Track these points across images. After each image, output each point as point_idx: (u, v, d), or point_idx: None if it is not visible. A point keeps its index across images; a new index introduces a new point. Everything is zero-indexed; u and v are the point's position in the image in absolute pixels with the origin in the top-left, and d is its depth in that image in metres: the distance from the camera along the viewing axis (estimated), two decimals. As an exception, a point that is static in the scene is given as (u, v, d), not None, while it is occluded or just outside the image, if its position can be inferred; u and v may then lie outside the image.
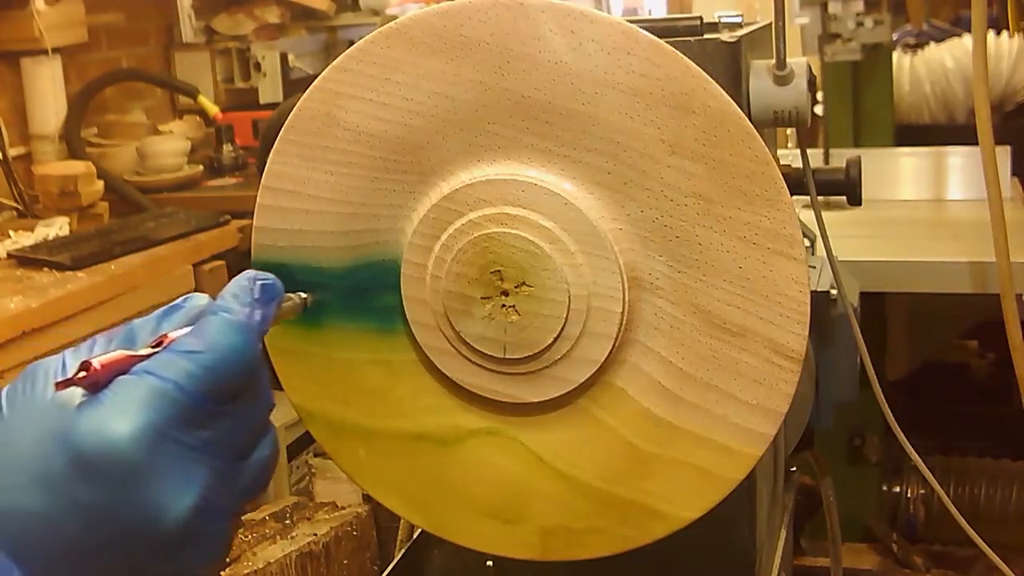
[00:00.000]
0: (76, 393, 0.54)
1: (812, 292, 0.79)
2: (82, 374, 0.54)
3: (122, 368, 0.55)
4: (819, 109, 2.59)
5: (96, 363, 0.54)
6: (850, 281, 1.44)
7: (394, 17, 0.83)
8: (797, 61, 1.02)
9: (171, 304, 0.61)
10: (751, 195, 0.76)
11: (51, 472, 0.52)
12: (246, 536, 2.13)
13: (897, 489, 2.37)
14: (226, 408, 0.56)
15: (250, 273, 0.62)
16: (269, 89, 3.34)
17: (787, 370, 0.78)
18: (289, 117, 0.83)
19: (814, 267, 1.36)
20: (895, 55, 3.03)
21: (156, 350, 0.56)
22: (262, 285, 0.61)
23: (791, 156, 1.28)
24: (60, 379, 0.54)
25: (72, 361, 0.56)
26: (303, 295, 0.67)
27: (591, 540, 0.84)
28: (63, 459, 0.52)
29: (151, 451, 0.52)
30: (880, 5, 2.49)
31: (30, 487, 0.53)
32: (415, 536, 1.20)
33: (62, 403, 0.54)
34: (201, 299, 0.62)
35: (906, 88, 3.13)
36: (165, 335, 0.57)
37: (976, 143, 1.35)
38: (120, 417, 0.52)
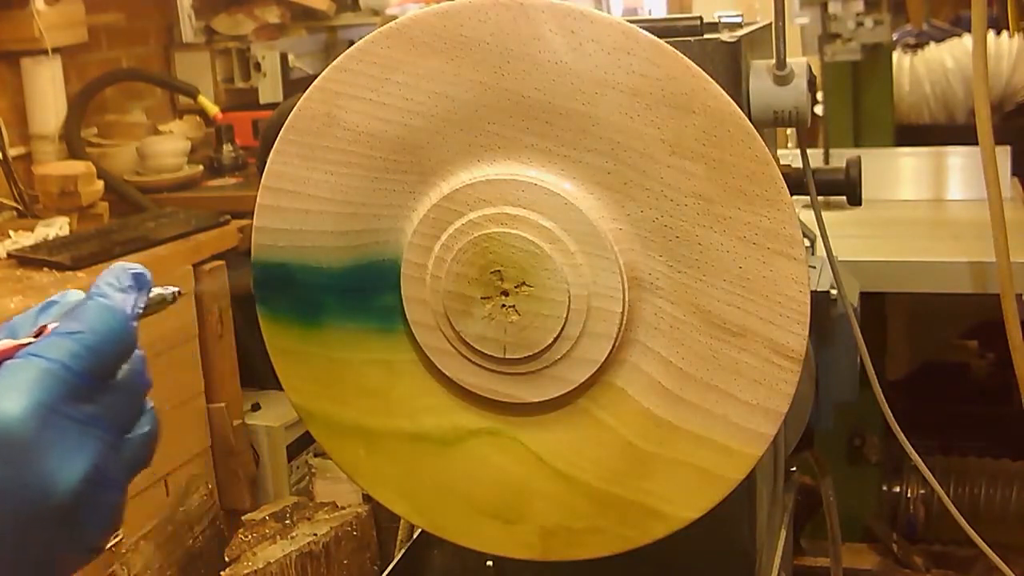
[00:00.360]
0: None
1: (812, 292, 0.79)
2: None
3: (7, 355, 0.58)
4: (819, 109, 2.59)
5: None
6: (850, 281, 1.44)
7: (394, 17, 0.83)
8: (797, 61, 1.02)
9: (47, 300, 0.65)
10: (751, 195, 0.76)
11: None
12: (246, 536, 2.13)
13: (897, 489, 2.37)
14: (108, 384, 0.60)
15: (121, 264, 0.66)
16: (269, 89, 3.34)
17: (787, 370, 0.78)
18: (289, 117, 0.83)
19: (814, 267, 1.35)
20: (895, 55, 3.03)
21: (37, 339, 0.59)
22: (132, 274, 0.65)
23: (791, 156, 1.28)
24: None
25: None
26: (173, 289, 0.70)
27: (591, 540, 0.84)
28: None
29: (42, 427, 0.55)
30: (880, 5, 2.48)
31: None
32: (415, 536, 1.20)
33: None
34: (76, 294, 0.66)
35: (906, 88, 3.13)
36: (44, 326, 0.61)
37: (976, 143, 1.35)
38: (10, 396, 0.55)
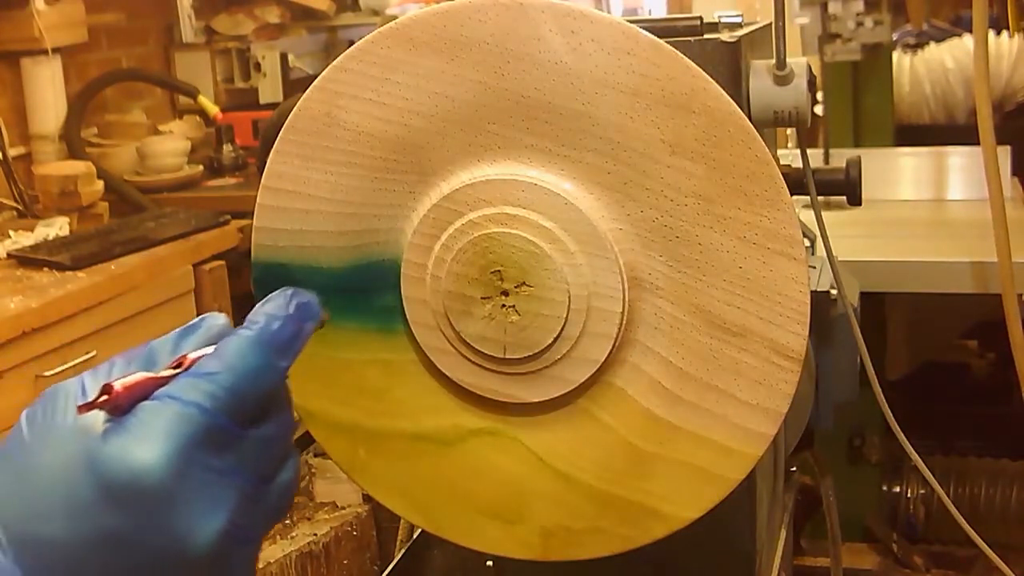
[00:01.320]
0: (99, 418, 0.53)
1: (812, 292, 0.79)
2: (104, 397, 0.53)
3: (143, 391, 0.54)
4: (819, 109, 2.58)
5: (118, 386, 0.53)
6: (850, 281, 1.44)
7: (394, 17, 0.83)
8: (797, 61, 1.02)
9: (189, 324, 0.60)
10: (751, 195, 0.76)
11: (76, 499, 0.52)
12: (246, 536, 2.12)
13: (897, 489, 2.37)
14: (250, 430, 0.55)
15: (289, 291, 0.60)
16: (269, 89, 3.34)
17: (787, 370, 0.78)
18: (289, 117, 0.83)
19: (814, 267, 1.35)
20: (895, 55, 3.03)
21: (176, 371, 0.55)
22: (298, 303, 0.59)
23: (791, 156, 1.28)
24: (81, 402, 0.53)
25: (91, 383, 0.55)
26: (321, 317, 0.65)
27: (591, 540, 0.84)
28: (89, 486, 0.52)
29: (178, 476, 0.52)
30: (880, 5, 2.48)
31: (54, 515, 0.52)
32: (415, 536, 1.20)
33: (85, 429, 0.53)
34: (218, 318, 0.61)
35: (906, 88, 3.13)
36: (184, 356, 0.56)
37: (976, 143, 1.35)
38: (146, 443, 0.52)
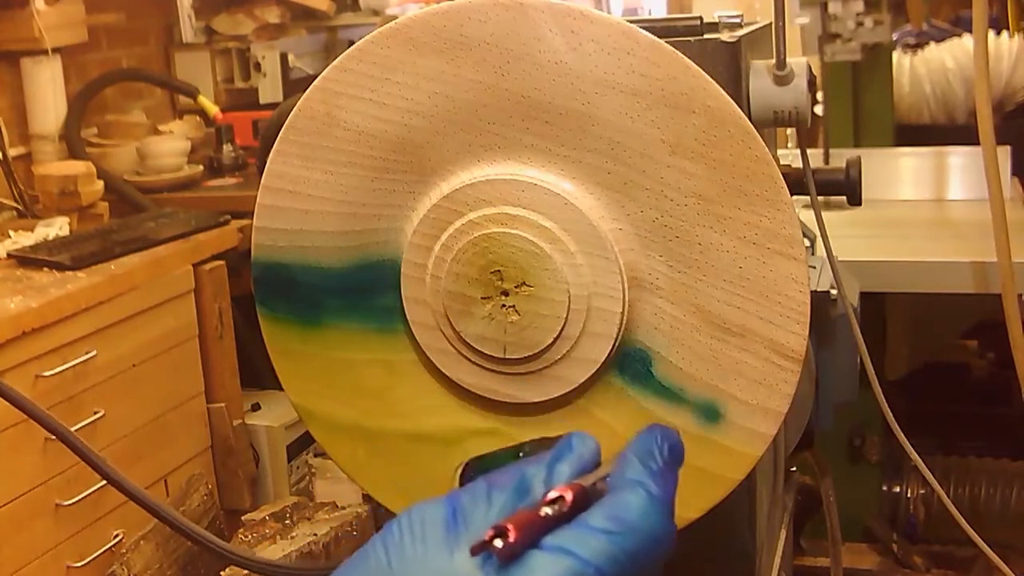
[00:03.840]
0: (478, 563, 0.50)
1: (812, 292, 0.79)
2: (499, 543, 0.49)
3: (532, 531, 0.50)
4: (819, 109, 2.58)
5: (511, 530, 0.49)
6: (850, 281, 1.44)
7: (394, 17, 0.83)
8: (797, 61, 1.02)
9: (560, 447, 0.56)
10: (751, 195, 0.76)
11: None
12: (246, 536, 2.13)
13: (897, 489, 2.37)
14: None
15: (657, 431, 0.56)
16: (269, 89, 3.34)
17: (787, 370, 0.78)
18: (289, 117, 0.83)
19: (814, 267, 1.35)
20: (895, 55, 3.02)
21: (559, 509, 0.52)
22: (669, 446, 0.56)
23: (791, 156, 1.28)
24: (475, 543, 0.50)
25: (468, 515, 0.52)
26: None
27: (591, 540, 0.84)
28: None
29: None
30: (880, 5, 2.48)
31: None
32: (415, 536, 1.20)
33: (469, 574, 0.50)
34: (587, 441, 0.57)
35: (906, 88, 3.13)
36: (564, 490, 0.52)
37: (976, 143, 1.35)
38: None
